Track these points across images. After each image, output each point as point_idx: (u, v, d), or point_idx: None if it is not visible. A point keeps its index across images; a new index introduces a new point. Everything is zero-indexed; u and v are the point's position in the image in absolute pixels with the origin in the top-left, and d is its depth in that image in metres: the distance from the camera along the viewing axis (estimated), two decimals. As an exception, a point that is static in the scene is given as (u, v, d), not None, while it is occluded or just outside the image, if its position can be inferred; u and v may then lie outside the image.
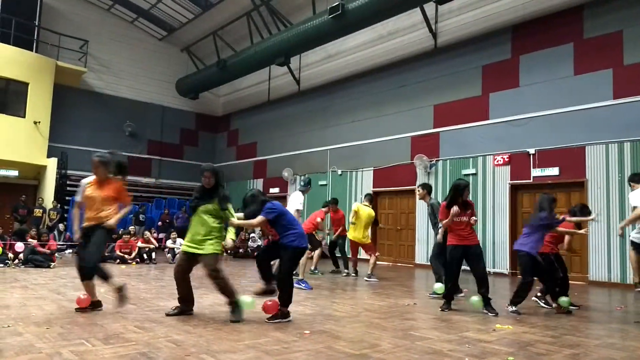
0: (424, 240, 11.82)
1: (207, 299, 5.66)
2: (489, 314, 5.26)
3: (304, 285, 7.06)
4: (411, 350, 3.60)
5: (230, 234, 4.82)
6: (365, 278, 8.55)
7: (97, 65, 16.60)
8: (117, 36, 17.32)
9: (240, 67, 15.32)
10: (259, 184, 17.27)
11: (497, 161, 10.73)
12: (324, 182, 14.78)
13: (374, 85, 13.70)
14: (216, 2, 15.35)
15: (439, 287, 6.37)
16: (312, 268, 9.10)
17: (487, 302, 5.38)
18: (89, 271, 4.65)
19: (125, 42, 17.48)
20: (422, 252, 11.89)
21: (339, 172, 14.35)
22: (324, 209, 9.53)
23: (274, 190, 16.48)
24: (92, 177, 4.87)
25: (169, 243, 11.51)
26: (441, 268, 6.50)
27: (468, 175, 11.08)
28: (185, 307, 4.73)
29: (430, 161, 11.95)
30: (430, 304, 6.03)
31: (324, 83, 15.20)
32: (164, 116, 18.50)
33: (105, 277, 4.79)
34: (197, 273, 5.03)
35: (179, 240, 10.95)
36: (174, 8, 16.39)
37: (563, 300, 5.62)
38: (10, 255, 9.15)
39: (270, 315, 4.53)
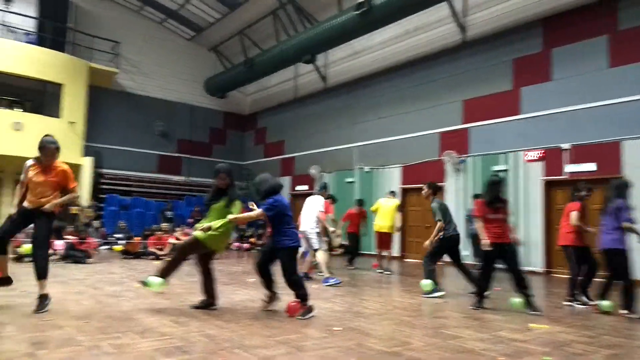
0: (453, 238, 11.68)
1: (239, 295, 5.75)
2: (533, 312, 5.11)
3: (333, 281, 7.10)
4: (443, 348, 3.57)
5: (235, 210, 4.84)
6: (383, 272, 8.72)
7: (128, 66, 16.99)
8: (147, 37, 17.69)
9: (266, 65, 15.44)
10: (286, 181, 17.37)
11: (529, 157, 10.50)
12: (351, 180, 14.76)
13: (401, 81, 13.59)
14: (243, 1, 15.50)
15: (426, 283, 6.28)
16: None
17: (529, 301, 5.23)
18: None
19: (155, 42, 17.85)
20: (451, 249, 11.76)
21: (366, 169, 14.30)
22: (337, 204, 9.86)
23: (302, 188, 16.56)
24: (33, 160, 4.78)
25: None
26: (429, 265, 6.43)
27: (499, 171, 10.88)
28: (207, 302, 4.89)
29: (460, 157, 11.78)
30: (461, 302, 5.96)
31: (350, 80, 15.17)
32: (193, 115, 18.81)
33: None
34: (226, 269, 5.11)
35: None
36: (201, 8, 16.62)
37: (605, 304, 5.39)
38: (50, 251, 9.47)
39: (297, 315, 4.57)
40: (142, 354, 3.14)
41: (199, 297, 4.98)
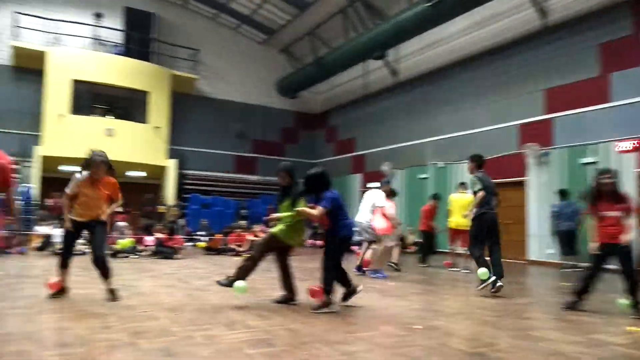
0: (537, 235, 11.08)
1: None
2: (636, 316, 4.73)
3: (379, 275, 7.19)
4: (531, 351, 3.42)
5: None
6: (460, 270, 8.58)
7: (207, 72, 17.85)
8: (223, 43, 18.48)
9: (336, 63, 15.53)
10: (357, 178, 17.40)
11: (622, 148, 9.68)
12: (424, 176, 14.47)
13: (476, 72, 13.09)
14: (312, 1, 15.70)
15: (482, 272, 5.88)
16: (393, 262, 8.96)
17: (634, 304, 4.83)
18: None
19: (230, 48, 18.60)
20: (535, 247, 11.16)
21: (440, 164, 13.94)
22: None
23: (373, 185, 16.46)
24: (86, 174, 5.02)
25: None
26: (476, 253, 6.05)
27: (587, 164, 10.15)
28: (287, 297, 5.04)
29: (542, 150, 11.14)
30: (549, 303, 5.66)
31: (421, 73, 14.86)
32: (266, 116, 19.38)
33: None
34: (302, 265, 5.23)
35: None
36: (272, 11, 17.07)
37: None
38: (141, 247, 10.26)
39: (316, 302, 4.64)
40: (231, 345, 3.31)
41: (279, 292, 5.14)
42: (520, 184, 11.57)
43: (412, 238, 13.53)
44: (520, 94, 11.83)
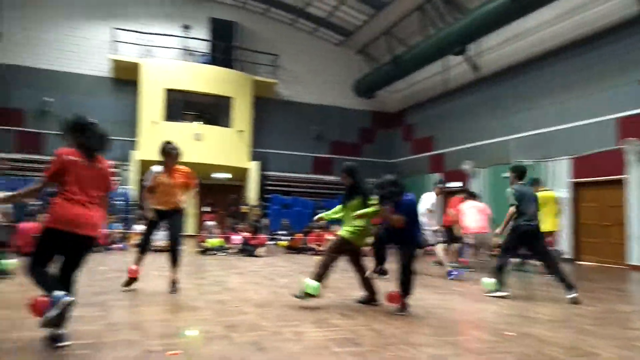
0: (638, 237, 10.13)
1: (398, 292, 5.82)
2: None
3: (455, 274, 7.25)
4: (639, 363, 3.16)
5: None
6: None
7: (286, 76, 18.35)
8: (301, 48, 18.88)
9: (414, 61, 15.26)
10: (436, 177, 16.96)
11: None
12: (508, 175, 13.75)
13: (564, 64, 12.22)
14: (388, 1, 15.56)
15: (489, 282, 5.77)
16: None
17: None
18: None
19: (307, 51, 18.96)
20: (636, 251, 10.20)
21: (525, 162, 13.18)
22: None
23: (453, 185, 16.00)
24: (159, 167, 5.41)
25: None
26: (500, 260, 5.84)
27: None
28: (368, 298, 5.04)
29: (645, 145, 10.16)
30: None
31: (505, 67, 14.15)
32: (343, 117, 19.51)
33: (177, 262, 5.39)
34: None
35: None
36: (349, 13, 17.15)
37: None
38: (228, 245, 10.79)
39: (395, 306, 4.62)
40: (318, 342, 3.40)
41: (360, 292, 5.16)
42: (619, 183, 10.63)
43: (496, 240, 12.93)
44: (617, 85, 10.87)
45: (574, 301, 5.34)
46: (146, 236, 5.56)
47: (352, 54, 19.47)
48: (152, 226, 5.53)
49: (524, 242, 5.91)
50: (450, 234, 9.14)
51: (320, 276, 4.78)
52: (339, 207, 5.24)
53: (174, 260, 5.35)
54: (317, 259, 5.66)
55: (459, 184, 15.64)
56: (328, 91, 19.17)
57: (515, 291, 6.47)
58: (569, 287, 5.46)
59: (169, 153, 5.37)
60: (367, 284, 5.06)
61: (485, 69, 14.93)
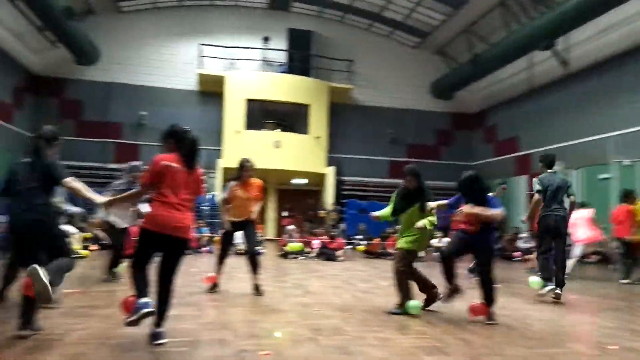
0: None
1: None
2: None
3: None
4: None
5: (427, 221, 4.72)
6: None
7: (361, 81, 18.38)
8: (376, 52, 18.82)
9: (496, 59, 14.66)
10: (522, 180, 16.08)
11: None
12: (605, 176, 12.71)
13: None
14: (467, -2, 15.10)
15: (533, 280, 5.73)
16: None
17: None
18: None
19: (383, 55, 18.86)
20: None
21: (626, 162, 12.10)
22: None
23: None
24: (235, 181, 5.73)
25: (434, 242, 11.84)
26: (541, 257, 5.78)
27: None
28: (431, 297, 4.87)
29: None
30: None
31: (599, 61, 13.07)
32: (420, 120, 19.13)
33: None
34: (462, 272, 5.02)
35: (444, 239, 11.15)
36: (426, 14, 16.83)
37: None
38: (308, 249, 11.01)
39: (480, 317, 4.42)
40: (404, 349, 3.36)
41: (443, 299, 5.01)
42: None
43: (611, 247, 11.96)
44: None
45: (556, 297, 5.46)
46: (223, 246, 5.87)
47: (429, 55, 19.08)
48: (228, 237, 5.86)
49: (549, 232, 5.78)
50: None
51: (407, 296, 4.67)
52: (389, 209, 5.04)
53: (254, 267, 5.61)
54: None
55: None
56: (404, 94, 18.91)
57: (618, 302, 5.96)
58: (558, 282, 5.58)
59: (245, 167, 5.73)
60: (426, 283, 4.89)
61: (576, 63, 13.93)
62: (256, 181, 5.82)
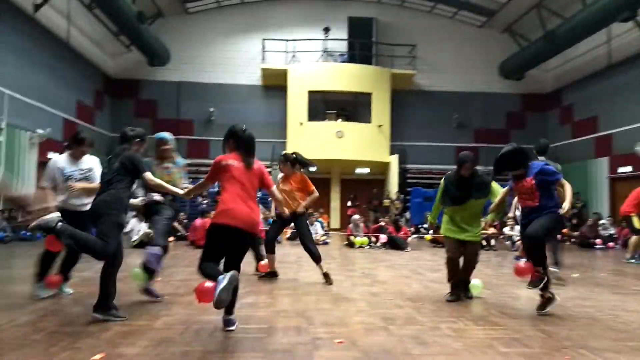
0: None
1: (566, 291, 5.32)
2: None
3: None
4: None
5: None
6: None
7: (424, 65, 17.95)
8: (440, 34, 18.27)
9: (571, 34, 13.74)
10: (603, 163, 15.02)
11: None
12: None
13: None
14: (538, -30, 14.21)
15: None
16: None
17: None
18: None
19: (447, 38, 18.27)
20: None
21: None
22: None
23: (624, 170, 14.00)
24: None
25: (506, 230, 11.42)
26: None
27: None
28: (461, 292, 4.77)
29: None
30: None
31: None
32: (487, 103, 18.39)
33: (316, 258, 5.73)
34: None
35: (516, 227, 10.70)
36: (492, -10, 16.09)
37: None
38: (373, 239, 10.99)
39: (530, 280, 4.13)
40: (480, 340, 3.28)
41: (517, 289, 4.84)
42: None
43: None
44: None
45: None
46: (271, 237, 6.03)
47: (497, 34, 18.24)
48: (277, 228, 6.06)
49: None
50: (631, 225, 8.56)
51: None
52: (438, 200, 4.95)
53: (314, 258, 5.73)
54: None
55: (628, 169, 13.72)
56: (470, 76, 18.24)
57: None
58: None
59: (284, 163, 5.96)
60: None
61: (663, 33, 12.75)
62: (298, 175, 5.94)
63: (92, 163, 4.70)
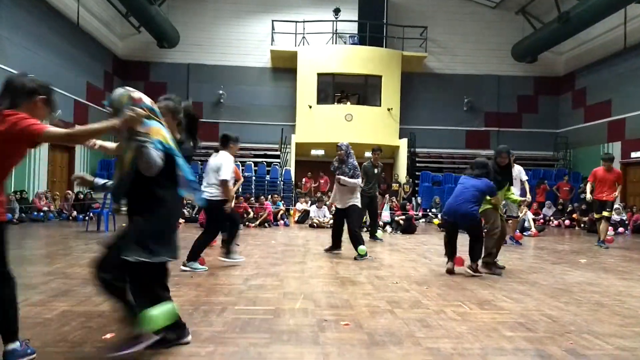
0: None
1: (571, 276, 5.33)
2: None
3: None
4: None
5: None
6: None
7: (435, 47, 17.70)
8: (452, 15, 17.96)
9: (586, 16, 13.44)
10: (615, 147, 14.82)
11: None
12: None
13: None
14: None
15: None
16: None
17: None
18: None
19: (459, 19, 17.95)
20: None
21: None
22: None
23: (637, 155, 13.81)
24: None
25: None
26: None
27: None
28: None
29: None
30: None
31: None
32: (499, 86, 18.15)
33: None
34: (551, 247, 4.77)
35: (529, 213, 10.66)
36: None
37: None
38: (381, 223, 10.99)
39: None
40: (485, 324, 3.31)
41: (535, 273, 4.84)
42: None
43: None
44: None
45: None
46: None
47: (510, 15, 17.90)
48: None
49: None
50: None
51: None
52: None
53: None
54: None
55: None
56: (482, 59, 17.98)
57: None
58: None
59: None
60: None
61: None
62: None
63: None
